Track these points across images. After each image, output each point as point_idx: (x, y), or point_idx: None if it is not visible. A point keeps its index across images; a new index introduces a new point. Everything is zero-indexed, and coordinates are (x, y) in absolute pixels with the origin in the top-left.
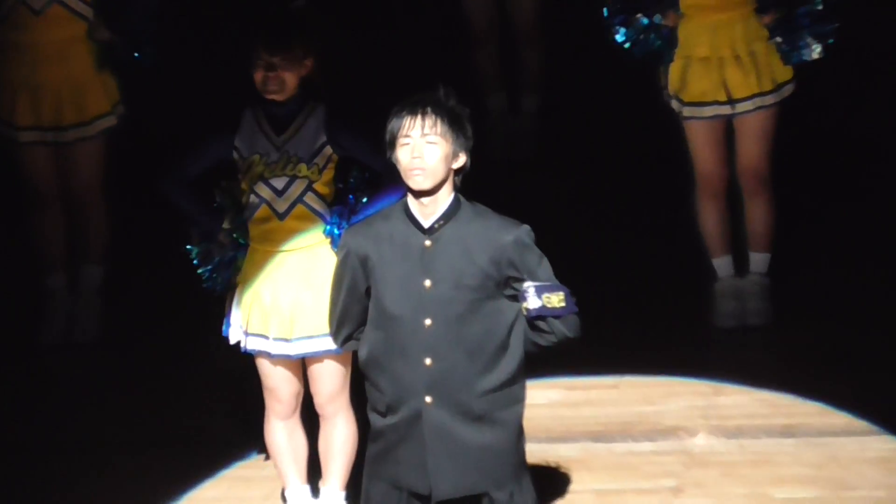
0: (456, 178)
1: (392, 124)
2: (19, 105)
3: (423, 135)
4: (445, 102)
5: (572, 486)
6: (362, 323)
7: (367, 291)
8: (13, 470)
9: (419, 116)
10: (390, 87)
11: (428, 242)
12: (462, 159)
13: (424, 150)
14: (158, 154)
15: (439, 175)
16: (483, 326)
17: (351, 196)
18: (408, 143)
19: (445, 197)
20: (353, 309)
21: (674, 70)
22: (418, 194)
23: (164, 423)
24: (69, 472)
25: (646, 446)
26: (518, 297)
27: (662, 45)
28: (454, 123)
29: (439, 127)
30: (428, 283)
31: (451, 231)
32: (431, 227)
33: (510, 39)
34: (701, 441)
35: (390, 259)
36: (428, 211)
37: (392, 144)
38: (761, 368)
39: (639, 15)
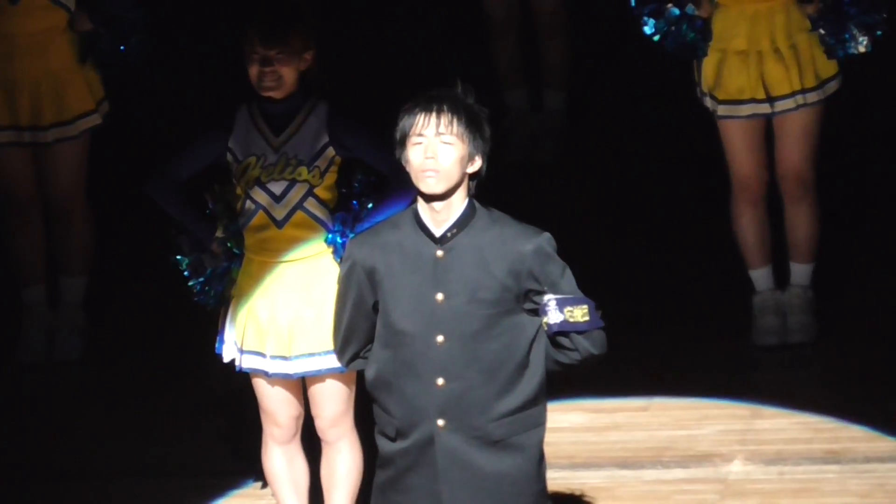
0: (471, 182)
1: (403, 122)
2: None
3: (438, 134)
4: (463, 100)
5: None
6: (370, 340)
7: (375, 306)
8: None
9: (434, 114)
10: (399, 83)
11: (440, 253)
12: (478, 163)
13: (439, 150)
14: (146, 156)
15: (453, 178)
16: (500, 344)
17: (355, 202)
18: (421, 143)
19: (459, 203)
20: (360, 325)
21: (708, 65)
22: (430, 199)
23: (152, 449)
24: (48, 501)
25: (678, 474)
26: (539, 311)
27: (695, 38)
28: (472, 123)
29: (455, 126)
30: (440, 296)
31: (466, 240)
32: (444, 236)
33: (531, 30)
34: (737, 468)
35: (399, 271)
36: (440, 218)
37: (402, 143)
38: (803, 390)
39: (669, 5)
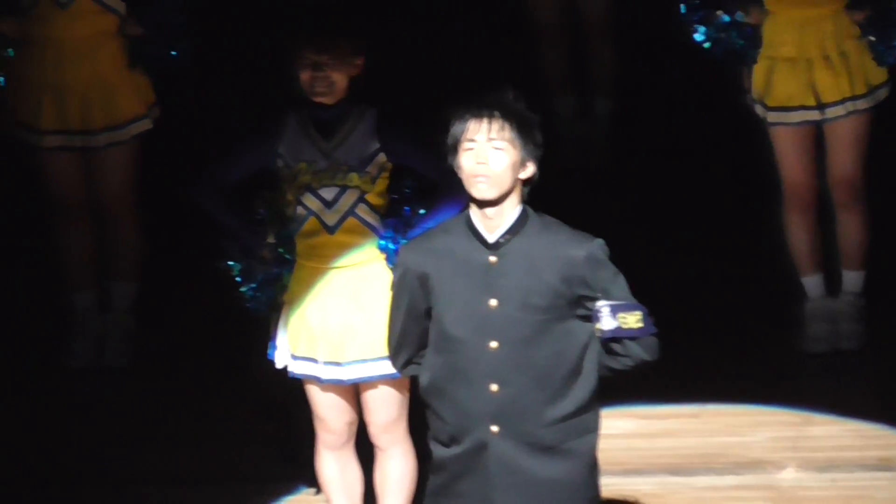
0: (523, 189)
1: (455, 128)
2: (43, 107)
3: (490, 139)
4: (514, 105)
5: None
6: (423, 346)
7: (428, 312)
8: None
9: (485, 119)
10: (449, 89)
11: (493, 258)
12: (530, 169)
13: (490, 155)
14: (195, 161)
15: (505, 184)
16: (553, 349)
17: (407, 208)
18: (472, 148)
19: (511, 209)
20: (413, 332)
21: (757, 72)
22: (482, 205)
23: (203, 456)
24: None
25: (729, 480)
26: (591, 316)
27: (745, 45)
28: (523, 129)
29: (507, 131)
30: (493, 302)
31: (518, 246)
32: (496, 242)
33: (580, 37)
34: (789, 475)
35: (452, 277)
36: (493, 224)
37: (454, 149)
38: (855, 397)
39: (719, 11)
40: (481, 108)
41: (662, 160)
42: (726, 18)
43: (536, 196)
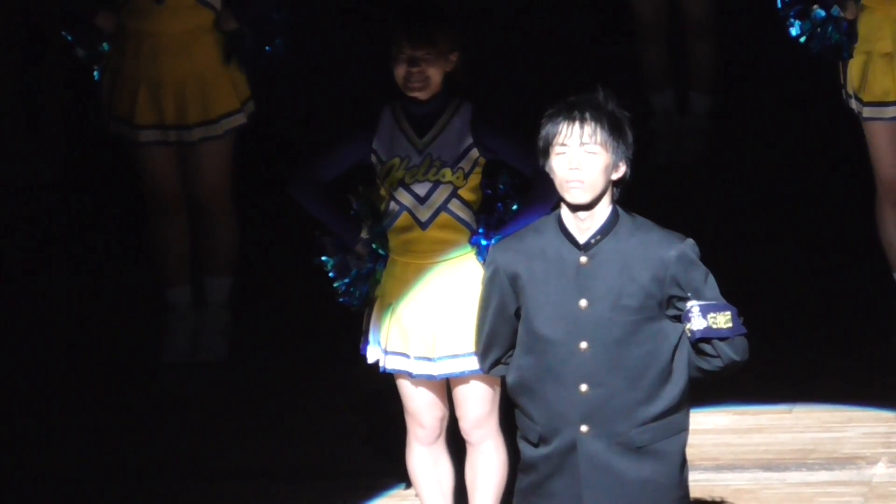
0: (615, 189)
1: (547, 130)
2: (139, 101)
3: (582, 144)
4: (605, 106)
5: None
6: (512, 346)
7: (517, 312)
8: (134, 498)
9: (577, 123)
10: (544, 84)
11: (584, 259)
12: (622, 170)
13: (583, 160)
14: (290, 156)
15: (598, 188)
16: (644, 350)
17: (500, 204)
18: (564, 153)
19: (603, 210)
20: (502, 332)
21: (853, 67)
22: (574, 208)
23: (296, 450)
24: (194, 501)
25: (822, 476)
26: (682, 317)
27: (840, 40)
28: (615, 131)
29: (599, 135)
30: (584, 303)
31: (610, 247)
32: (588, 243)
33: (680, 31)
34: (881, 470)
35: (543, 277)
36: (584, 225)
37: (546, 152)
38: None
39: (815, 6)
40: (572, 109)
41: (758, 156)
42: (822, 13)
43: (632, 191)
